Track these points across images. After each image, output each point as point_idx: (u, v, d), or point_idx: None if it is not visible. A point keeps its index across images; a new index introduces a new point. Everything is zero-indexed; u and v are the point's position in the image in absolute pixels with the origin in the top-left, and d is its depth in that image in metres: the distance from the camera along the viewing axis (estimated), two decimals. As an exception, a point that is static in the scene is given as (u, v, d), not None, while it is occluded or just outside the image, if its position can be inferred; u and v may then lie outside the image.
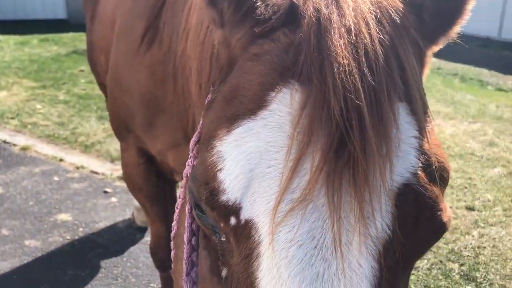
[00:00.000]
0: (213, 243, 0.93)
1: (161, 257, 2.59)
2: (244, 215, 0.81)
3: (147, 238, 4.04)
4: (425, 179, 0.83)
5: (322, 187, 0.77)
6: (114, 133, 2.38)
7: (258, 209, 0.80)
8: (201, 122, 1.07)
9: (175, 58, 1.75)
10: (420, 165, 0.83)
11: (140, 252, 3.83)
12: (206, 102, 1.08)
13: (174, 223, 1.23)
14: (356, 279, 0.77)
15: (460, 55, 12.48)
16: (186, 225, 1.05)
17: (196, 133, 1.08)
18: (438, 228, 0.86)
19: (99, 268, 3.59)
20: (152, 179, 2.28)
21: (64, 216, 4.27)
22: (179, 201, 1.20)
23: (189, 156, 1.08)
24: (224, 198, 0.83)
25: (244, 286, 0.82)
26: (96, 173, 5.18)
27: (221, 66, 1.03)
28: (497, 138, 6.49)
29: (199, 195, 0.88)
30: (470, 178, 5.18)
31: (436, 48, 1.01)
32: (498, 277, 3.58)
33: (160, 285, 3.13)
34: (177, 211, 1.19)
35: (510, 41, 14.83)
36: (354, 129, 0.76)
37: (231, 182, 0.82)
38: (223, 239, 0.87)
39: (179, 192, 1.19)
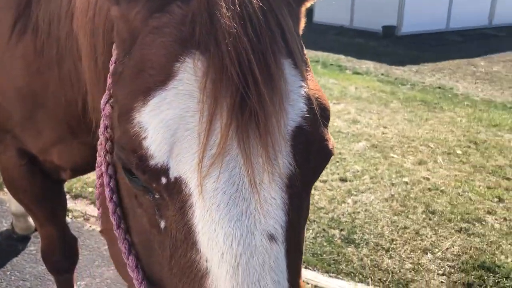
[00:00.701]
0: (146, 201, 1.01)
1: (55, 260, 2.47)
2: (173, 174, 0.93)
3: (31, 247, 3.79)
4: (312, 119, 0.99)
5: (234, 140, 0.90)
6: None
7: (184, 167, 0.92)
8: (109, 84, 1.15)
9: (58, 43, 1.69)
10: (307, 109, 0.99)
11: (26, 263, 3.58)
12: (111, 73, 1.14)
13: (96, 182, 1.26)
14: (272, 209, 0.93)
15: (320, 43, 13.51)
16: (105, 184, 1.12)
17: (105, 94, 1.16)
18: (326, 155, 1.05)
19: (-21, 287, 3.29)
20: (36, 180, 2.15)
21: None
22: (98, 160, 1.23)
23: (102, 115, 1.16)
24: (152, 162, 0.93)
25: (182, 232, 0.94)
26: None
27: (123, 39, 1.09)
28: (358, 116, 7.20)
29: (129, 162, 0.97)
30: (340, 153, 5.69)
31: (307, 4, 1.18)
32: (372, 236, 4.03)
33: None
34: (98, 170, 1.22)
35: (360, 30, 16.38)
36: (251, 88, 0.90)
37: (156, 148, 0.92)
38: (156, 196, 0.98)
39: (98, 152, 1.23)
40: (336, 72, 10.60)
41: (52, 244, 2.41)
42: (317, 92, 1.05)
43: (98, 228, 4.11)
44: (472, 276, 3.54)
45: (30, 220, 3.95)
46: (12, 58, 1.80)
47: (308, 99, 1.00)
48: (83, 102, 1.68)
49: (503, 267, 3.64)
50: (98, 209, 1.29)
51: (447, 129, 6.83)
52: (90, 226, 4.15)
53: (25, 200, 2.22)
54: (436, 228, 4.19)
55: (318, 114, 1.00)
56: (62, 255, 2.46)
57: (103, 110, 1.15)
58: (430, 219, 4.33)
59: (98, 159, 1.21)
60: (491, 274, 3.57)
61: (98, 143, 1.20)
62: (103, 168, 1.14)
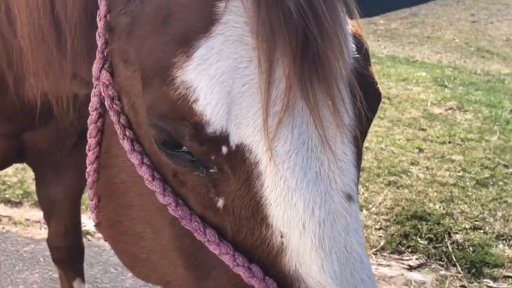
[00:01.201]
0: (194, 179, 0.85)
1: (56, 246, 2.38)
2: (234, 140, 0.80)
3: None
4: (361, 60, 0.89)
5: (298, 91, 0.77)
6: None
7: (246, 131, 0.79)
8: (101, 45, 0.94)
9: None
10: (356, 48, 0.88)
11: None
12: (103, 30, 0.93)
13: (89, 168, 1.05)
14: (345, 166, 0.83)
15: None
16: (137, 164, 0.90)
17: (98, 58, 0.96)
18: (378, 98, 0.96)
19: None
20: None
21: None
22: (91, 142, 1.03)
23: (94, 86, 0.97)
24: (210, 130, 0.78)
25: (249, 208, 0.81)
26: None
27: None
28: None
29: (179, 134, 0.81)
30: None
31: None
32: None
33: None
34: (91, 154, 1.03)
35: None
36: (313, 25, 0.76)
37: (213, 111, 0.78)
38: (212, 170, 0.82)
39: (90, 133, 1.03)
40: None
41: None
42: (355, 27, 0.92)
43: (26, 229, 3.68)
44: (407, 227, 3.67)
45: None
46: None
47: (354, 37, 0.89)
48: (15, 81, 1.41)
49: (433, 214, 3.81)
50: (92, 200, 1.10)
51: (361, 87, 7.02)
52: (3, 228, 3.72)
53: None
54: (367, 184, 4.29)
55: (363, 53, 0.89)
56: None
57: (98, 79, 0.96)
58: (360, 176, 4.42)
59: (91, 140, 1.02)
60: (423, 222, 3.73)
61: (90, 121, 1.01)
62: (127, 146, 0.92)
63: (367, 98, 0.88)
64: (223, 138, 0.79)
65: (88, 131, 1.04)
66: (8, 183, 4.33)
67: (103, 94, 0.97)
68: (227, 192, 0.83)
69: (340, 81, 0.81)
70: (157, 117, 0.82)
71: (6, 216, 3.92)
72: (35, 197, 4.16)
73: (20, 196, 4.15)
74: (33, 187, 4.29)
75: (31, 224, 3.83)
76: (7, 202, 4.11)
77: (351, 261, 0.80)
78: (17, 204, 4.09)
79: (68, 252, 2.35)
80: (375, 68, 4.49)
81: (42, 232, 3.71)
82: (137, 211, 1.00)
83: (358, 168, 0.89)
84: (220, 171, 0.82)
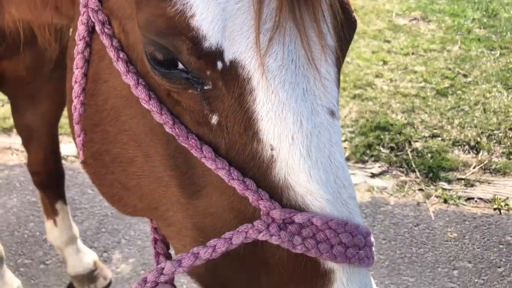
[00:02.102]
0: (189, 97, 0.88)
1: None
2: (228, 56, 0.83)
3: None
4: None
5: (287, 11, 0.82)
6: None
7: (239, 47, 0.83)
8: None
9: None
10: None
11: None
12: None
13: (75, 102, 1.07)
14: (328, 84, 0.88)
15: None
16: (133, 85, 0.92)
17: None
18: (354, 25, 1.01)
19: None
20: None
21: None
22: (76, 72, 1.03)
23: (82, 13, 0.99)
24: (207, 44, 0.82)
25: (241, 124, 0.85)
26: None
27: None
28: None
29: (177, 49, 0.83)
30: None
31: None
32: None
33: None
34: (76, 86, 1.04)
35: None
36: None
37: (209, 27, 0.81)
38: (206, 87, 0.86)
39: (76, 63, 1.02)
40: None
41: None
42: None
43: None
44: (371, 137, 3.85)
45: None
46: None
47: None
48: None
49: (396, 125, 4.00)
50: (79, 136, 1.10)
51: (327, -2, 6.91)
52: (-26, 156, 3.71)
53: None
54: (333, 98, 4.40)
55: None
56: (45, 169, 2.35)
57: (86, 5, 0.97)
58: (326, 91, 4.53)
59: (78, 71, 1.03)
60: (386, 132, 3.92)
61: (76, 51, 1.01)
62: (122, 67, 0.93)
63: (346, 24, 0.94)
64: (218, 53, 0.83)
65: (75, 62, 1.03)
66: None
67: (92, 19, 0.97)
68: (221, 109, 0.86)
69: (324, 5, 0.86)
70: (155, 34, 0.84)
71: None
72: (2, 124, 4.12)
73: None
74: (-1, 114, 4.23)
75: (2, 150, 3.83)
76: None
77: (334, 170, 0.86)
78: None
79: (48, 177, 2.40)
80: None
81: (14, 158, 3.74)
82: (129, 135, 1.00)
83: (339, 88, 0.94)
84: (214, 87, 0.85)
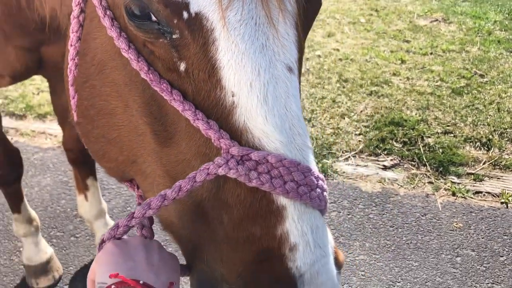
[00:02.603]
0: (160, 45, 0.97)
1: (2, 174, 2.44)
2: (193, 8, 0.92)
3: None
4: None
5: None
6: None
7: (204, 1, 0.92)
8: None
9: None
10: None
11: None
12: None
13: (70, 64, 1.18)
14: (287, 43, 0.96)
15: None
16: (123, 47, 1.02)
17: None
18: (319, 3, 1.12)
19: None
20: None
21: None
22: (72, 36, 1.14)
23: None
24: None
25: (205, 71, 0.93)
26: None
27: None
28: None
29: None
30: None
31: None
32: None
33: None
34: (73, 49, 1.15)
35: None
36: None
37: None
38: (175, 36, 0.94)
39: (72, 27, 1.13)
40: None
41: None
42: None
43: (33, 139, 3.95)
44: (384, 132, 4.00)
45: None
46: None
47: None
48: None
49: (409, 121, 4.13)
50: (73, 98, 1.21)
51: (350, -1, 7.05)
52: (12, 138, 4.00)
53: None
54: (350, 94, 4.56)
55: None
56: (7, 167, 2.43)
57: None
58: (344, 87, 4.68)
59: (73, 35, 1.13)
60: (399, 128, 4.05)
61: (72, 16, 1.12)
62: (107, 22, 1.03)
63: (309, 2, 1.03)
64: (184, 4, 0.91)
65: (71, 27, 1.13)
66: (11, 97, 4.55)
67: None
68: (188, 56, 0.94)
69: None
70: None
71: (12, 128, 4.18)
72: (38, 110, 4.41)
73: (24, 110, 4.39)
74: (34, 101, 4.52)
75: (37, 135, 4.11)
76: (12, 115, 4.36)
77: (289, 117, 0.93)
78: (21, 117, 4.34)
79: (81, 154, 2.61)
80: None
81: (48, 142, 4.01)
82: (111, 87, 1.09)
83: (300, 51, 1.01)
84: (181, 36, 0.93)
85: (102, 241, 1.06)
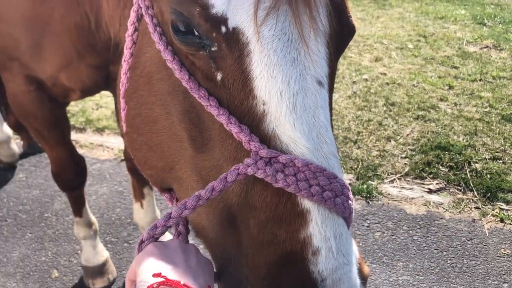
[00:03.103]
0: (200, 57, 1.05)
1: (67, 179, 2.64)
2: (231, 23, 1.00)
3: (20, 175, 3.91)
4: None
5: None
6: None
7: (241, 18, 0.99)
8: None
9: None
10: None
11: (19, 189, 3.73)
12: None
13: (123, 78, 1.28)
14: (318, 59, 1.02)
15: None
16: (168, 58, 1.11)
17: None
18: (352, 29, 1.16)
19: (-19, 215, 3.44)
20: (45, 105, 2.22)
21: None
22: (126, 52, 1.26)
23: (134, 3, 1.22)
24: (213, 11, 1.00)
25: (240, 81, 1.00)
26: None
27: None
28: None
29: (190, 13, 1.02)
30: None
31: None
32: (340, 131, 4.39)
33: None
34: (126, 65, 1.26)
35: None
36: None
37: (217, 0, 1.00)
38: (213, 48, 1.02)
39: (126, 44, 1.25)
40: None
41: (63, 164, 2.55)
42: None
43: (91, 151, 4.20)
44: (431, 156, 4.01)
45: (14, 146, 4.02)
46: None
47: None
48: (96, 18, 1.74)
49: (456, 145, 4.12)
50: (123, 110, 1.31)
51: (398, 25, 7.10)
52: (73, 149, 4.26)
53: (35, 125, 2.32)
54: (396, 118, 4.60)
55: None
56: (73, 173, 2.63)
57: None
58: (390, 111, 4.72)
59: (127, 51, 1.25)
60: (446, 152, 4.05)
61: (127, 34, 1.24)
62: (157, 37, 1.14)
63: (342, 22, 1.09)
64: (223, 19, 0.99)
65: (125, 44, 1.25)
66: (72, 112, 4.86)
67: (140, 5, 1.19)
68: (224, 67, 1.01)
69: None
70: (176, 3, 1.04)
71: (73, 140, 4.45)
72: (96, 124, 4.69)
73: (83, 123, 4.68)
74: (93, 116, 4.82)
75: (95, 147, 4.37)
76: (73, 128, 4.65)
77: (317, 127, 0.97)
78: (81, 130, 4.63)
79: None
80: (413, 6, 4.83)
81: (105, 154, 4.26)
82: (156, 96, 1.18)
83: (330, 67, 1.05)
84: (219, 49, 1.01)
85: (141, 242, 1.09)
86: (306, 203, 0.94)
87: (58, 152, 2.50)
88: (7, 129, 4.02)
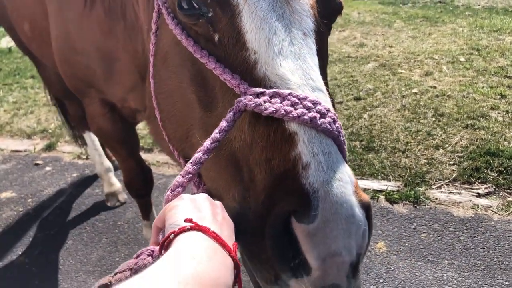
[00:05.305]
0: (201, 25, 1.22)
1: (137, 187, 3.01)
2: None
3: (97, 190, 4.40)
4: None
5: None
6: (74, 93, 2.57)
7: None
8: None
9: None
10: None
11: (96, 201, 4.21)
12: None
13: (151, 68, 1.45)
14: (303, 16, 1.16)
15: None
16: (183, 40, 1.27)
17: None
18: (339, 5, 1.31)
19: (64, 224, 3.93)
20: (117, 125, 2.53)
21: (7, 194, 4.43)
22: (151, 48, 1.44)
23: (155, 4, 1.40)
24: None
25: (234, 36, 1.15)
26: (18, 151, 5.27)
27: None
28: (365, 40, 7.54)
29: None
30: (352, 76, 6.12)
31: None
32: (389, 142, 4.55)
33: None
34: (152, 58, 1.44)
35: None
36: None
37: None
38: (210, 14, 1.19)
39: (151, 40, 1.44)
40: None
41: (133, 174, 2.92)
42: None
43: (158, 168, 4.64)
44: (479, 162, 4.06)
45: (115, 180, 4.24)
46: (89, 22, 2.12)
47: None
48: (142, 43, 1.88)
49: (507, 151, 4.14)
50: (153, 100, 1.50)
51: (450, 40, 7.15)
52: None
53: (110, 141, 2.69)
54: (445, 127, 4.68)
55: None
56: (142, 182, 2.98)
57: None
58: (439, 121, 4.81)
59: (152, 47, 1.43)
60: (495, 158, 4.09)
61: (152, 32, 1.43)
62: (170, 21, 1.31)
63: (327, 2, 1.24)
64: None
65: (150, 41, 1.44)
66: (141, 134, 5.38)
67: (158, 2, 1.37)
68: (220, 28, 1.17)
69: None
70: None
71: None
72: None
73: (151, 144, 5.16)
74: (160, 138, 5.29)
75: (161, 165, 4.81)
76: (141, 148, 5.14)
77: (304, 67, 1.08)
78: (149, 150, 5.10)
79: None
80: (467, 21, 5.05)
81: (170, 170, 4.68)
82: (171, 69, 1.35)
83: (318, 29, 1.17)
84: (214, 13, 1.17)
85: (172, 190, 1.10)
86: (293, 126, 1.01)
87: (129, 163, 2.86)
88: (107, 162, 4.28)
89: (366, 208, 1.02)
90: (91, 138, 4.28)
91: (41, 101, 6.41)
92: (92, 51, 2.19)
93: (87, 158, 4.93)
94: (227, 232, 0.99)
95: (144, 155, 5.02)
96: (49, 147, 5.21)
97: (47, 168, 4.85)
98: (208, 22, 1.20)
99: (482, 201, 3.69)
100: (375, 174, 4.11)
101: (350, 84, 5.88)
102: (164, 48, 1.41)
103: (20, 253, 3.62)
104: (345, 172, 1.00)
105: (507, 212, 3.54)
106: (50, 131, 5.59)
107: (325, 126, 1.01)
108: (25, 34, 2.90)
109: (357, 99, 5.48)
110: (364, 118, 5.04)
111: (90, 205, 4.18)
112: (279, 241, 0.96)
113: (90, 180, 4.58)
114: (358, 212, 0.96)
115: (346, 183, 0.98)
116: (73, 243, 3.70)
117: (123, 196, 4.17)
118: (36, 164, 4.93)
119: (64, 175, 4.70)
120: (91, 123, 2.67)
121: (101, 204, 4.17)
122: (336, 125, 1.04)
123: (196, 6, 1.21)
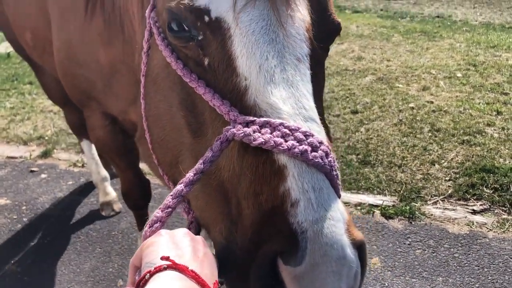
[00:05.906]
0: (191, 47, 1.17)
1: (134, 198, 2.99)
2: (213, 14, 1.12)
3: (92, 198, 4.39)
4: None
5: None
6: (76, 104, 2.56)
7: (222, 9, 1.11)
8: None
9: (120, 11, 1.88)
10: None
11: (91, 211, 4.19)
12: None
13: (142, 89, 1.41)
14: (297, 41, 1.10)
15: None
16: (173, 64, 1.22)
17: (150, 5, 1.36)
18: (337, 26, 1.26)
19: (58, 233, 3.90)
20: (117, 137, 2.50)
21: (1, 201, 4.40)
22: (143, 68, 1.40)
23: (147, 23, 1.36)
24: (197, 4, 1.13)
25: (224, 61, 1.10)
26: (14, 157, 5.25)
27: None
28: (362, 53, 7.58)
29: (178, 8, 1.15)
30: (349, 89, 6.15)
31: None
32: (385, 156, 4.56)
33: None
34: (143, 79, 1.40)
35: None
36: None
37: None
38: (200, 37, 1.15)
39: (143, 60, 1.41)
40: (336, 13, 10.80)
41: (131, 185, 2.90)
42: None
43: (153, 178, 4.65)
44: (475, 178, 4.08)
45: (110, 189, 4.23)
46: (89, 34, 2.11)
47: None
48: (139, 58, 1.97)
49: (502, 168, 4.16)
50: (144, 121, 1.44)
51: (447, 55, 7.20)
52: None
53: (110, 154, 2.67)
54: (441, 143, 4.70)
55: None
56: (140, 194, 2.97)
57: (149, 17, 1.35)
58: (435, 136, 4.83)
59: (143, 67, 1.39)
60: (491, 174, 4.10)
61: (143, 52, 1.38)
62: (160, 42, 1.27)
63: (325, 18, 1.19)
64: (205, 11, 1.11)
65: (142, 61, 1.39)
66: (137, 143, 5.37)
67: (149, 21, 1.32)
68: (210, 52, 1.12)
69: None
70: (168, 4, 1.17)
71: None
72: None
73: (147, 154, 5.16)
74: (156, 147, 5.29)
75: (157, 174, 4.81)
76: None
77: (296, 95, 1.03)
78: (145, 159, 5.10)
79: None
80: (464, 37, 5.10)
81: (166, 180, 4.68)
82: (161, 92, 1.30)
83: (310, 49, 1.12)
84: (205, 37, 1.13)
85: (150, 225, 1.07)
86: (283, 159, 0.97)
87: (127, 175, 2.85)
88: (103, 171, 4.26)
89: (359, 247, 0.97)
90: (89, 147, 4.27)
91: (38, 108, 6.40)
92: (93, 62, 2.18)
93: (82, 166, 4.91)
94: (209, 269, 0.95)
95: (141, 164, 5.00)
96: (45, 154, 5.20)
97: (43, 176, 4.82)
98: (198, 45, 1.15)
99: (477, 218, 3.70)
100: (371, 189, 4.12)
101: (348, 97, 5.90)
102: (154, 69, 1.37)
103: (12, 261, 3.60)
104: (337, 209, 0.96)
105: (502, 230, 3.55)
106: (46, 138, 5.57)
107: (316, 160, 0.97)
108: (26, 43, 2.90)
109: (354, 112, 5.49)
110: (361, 132, 5.05)
111: (85, 214, 4.16)
112: (265, 283, 0.93)
113: (85, 188, 4.56)
114: (350, 252, 0.92)
115: (337, 221, 0.94)
116: (66, 252, 3.68)
117: (118, 205, 4.16)
118: (32, 171, 4.91)
119: (59, 182, 4.68)
120: (91, 134, 2.66)
121: (96, 213, 4.16)
122: (329, 159, 1.00)
123: (186, 28, 1.16)
